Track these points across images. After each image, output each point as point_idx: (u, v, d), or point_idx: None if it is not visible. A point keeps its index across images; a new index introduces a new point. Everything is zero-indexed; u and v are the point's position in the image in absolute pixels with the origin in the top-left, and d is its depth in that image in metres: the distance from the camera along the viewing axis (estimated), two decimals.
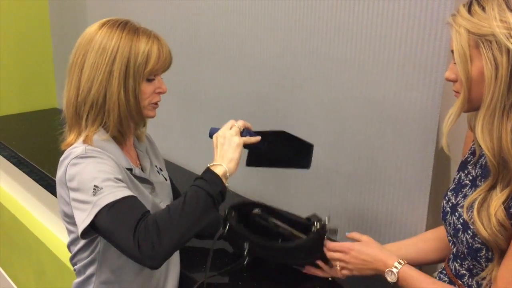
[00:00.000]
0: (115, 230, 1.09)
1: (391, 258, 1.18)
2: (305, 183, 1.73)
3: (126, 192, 1.13)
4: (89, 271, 1.26)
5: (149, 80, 1.24)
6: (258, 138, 1.30)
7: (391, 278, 1.17)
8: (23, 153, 2.41)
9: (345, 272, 1.28)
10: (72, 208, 1.16)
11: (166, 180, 1.43)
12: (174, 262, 1.40)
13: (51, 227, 2.45)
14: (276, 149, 1.38)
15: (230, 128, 1.26)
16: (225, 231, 1.34)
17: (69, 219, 1.22)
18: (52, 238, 2.42)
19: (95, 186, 1.11)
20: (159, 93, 1.27)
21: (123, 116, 1.22)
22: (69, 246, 1.30)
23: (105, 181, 1.12)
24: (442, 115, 1.32)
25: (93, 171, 1.14)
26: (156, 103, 1.28)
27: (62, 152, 1.25)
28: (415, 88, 1.36)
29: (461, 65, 1.01)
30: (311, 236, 1.29)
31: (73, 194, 1.15)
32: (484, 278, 1.07)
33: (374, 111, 1.47)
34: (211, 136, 1.30)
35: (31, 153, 2.41)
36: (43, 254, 2.46)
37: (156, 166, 1.42)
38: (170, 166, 2.29)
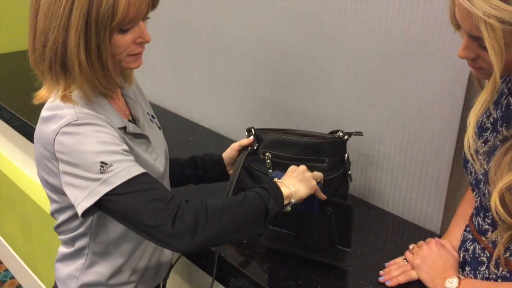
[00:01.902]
0: (141, 210, 0.95)
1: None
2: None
3: (139, 168, 0.99)
4: (80, 244, 1.12)
5: (124, 31, 1.01)
6: (324, 196, 1.19)
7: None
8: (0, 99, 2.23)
9: (415, 258, 1.18)
10: (62, 182, 1.00)
11: (159, 129, 1.27)
12: None
13: (34, 177, 2.31)
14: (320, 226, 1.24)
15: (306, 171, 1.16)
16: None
17: (53, 189, 1.06)
18: (36, 188, 2.29)
19: (102, 162, 0.95)
20: (141, 43, 1.06)
21: (91, 80, 1.01)
22: (52, 214, 1.14)
23: (113, 154, 0.97)
24: None
25: (95, 144, 0.97)
26: (138, 54, 1.07)
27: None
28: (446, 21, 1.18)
29: (497, 59, 0.86)
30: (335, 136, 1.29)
31: (67, 168, 0.98)
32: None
33: (395, 49, 1.29)
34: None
35: (8, 99, 2.24)
36: (28, 206, 2.35)
37: (148, 114, 1.25)
38: (162, 113, 2.18)
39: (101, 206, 0.97)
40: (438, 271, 1.11)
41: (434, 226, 1.36)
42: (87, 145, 0.97)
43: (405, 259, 1.20)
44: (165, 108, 2.18)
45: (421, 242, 1.21)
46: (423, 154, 1.33)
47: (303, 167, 1.15)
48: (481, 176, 1.02)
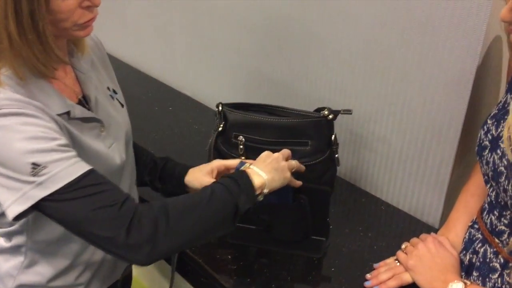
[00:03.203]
0: (88, 219, 0.81)
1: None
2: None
3: (83, 165, 0.83)
4: (16, 241, 0.96)
5: None
6: (298, 183, 1.05)
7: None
8: None
9: (409, 258, 1.01)
10: None
11: (122, 106, 1.08)
12: None
13: None
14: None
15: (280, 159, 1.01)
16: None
17: None
18: None
19: (34, 164, 0.79)
20: (88, 7, 0.86)
21: (25, 56, 0.82)
22: None
23: (46, 153, 0.80)
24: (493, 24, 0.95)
25: (23, 140, 0.79)
26: (87, 22, 0.88)
27: None
28: None
29: None
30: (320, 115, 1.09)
31: None
32: None
33: (396, 14, 1.09)
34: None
35: None
36: None
37: (108, 89, 1.05)
38: (140, 77, 1.99)
39: (40, 210, 0.82)
40: (436, 273, 0.95)
41: (432, 218, 1.19)
42: (13, 142, 0.79)
43: (396, 259, 1.04)
44: (144, 73, 2.00)
45: (415, 240, 1.05)
46: (424, 137, 1.14)
47: (278, 155, 0.99)
48: (502, 169, 0.86)
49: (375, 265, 1.04)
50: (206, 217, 0.87)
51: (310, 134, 1.09)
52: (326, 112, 1.09)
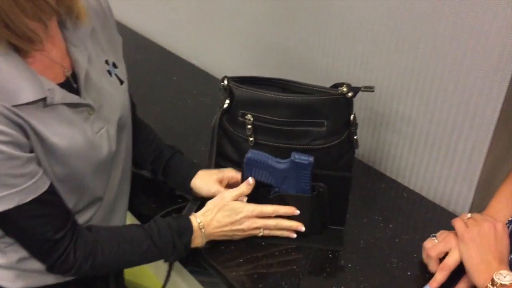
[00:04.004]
0: (26, 245, 0.84)
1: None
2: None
3: (27, 195, 0.76)
4: None
5: None
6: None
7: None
8: None
9: (469, 231, 0.88)
10: None
11: (121, 83, 0.95)
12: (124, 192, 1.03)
13: None
14: None
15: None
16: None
17: None
18: None
19: None
20: None
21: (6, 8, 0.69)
22: None
23: None
24: None
25: None
26: None
27: None
28: None
29: None
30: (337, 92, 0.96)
31: None
32: None
33: None
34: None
35: None
36: None
37: (107, 63, 0.92)
38: (143, 44, 1.86)
39: None
40: (490, 257, 0.83)
41: (460, 208, 1.08)
42: None
43: (433, 235, 0.93)
44: (147, 38, 1.87)
45: (479, 216, 0.91)
46: (455, 119, 1.02)
47: (246, 224, 0.95)
48: None
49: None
50: (133, 262, 0.90)
51: (326, 113, 0.97)
52: (344, 89, 0.96)
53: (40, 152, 0.77)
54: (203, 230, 0.92)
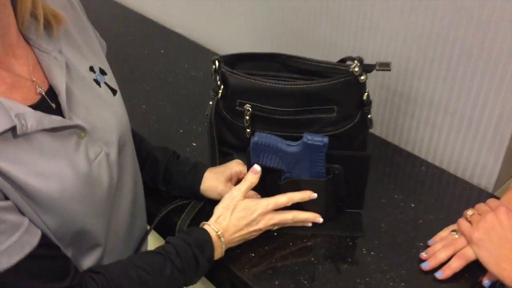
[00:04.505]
0: None
1: None
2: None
3: (12, 255, 0.60)
4: None
5: None
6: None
7: None
8: None
9: (475, 230, 0.80)
10: None
11: (114, 93, 0.79)
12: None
13: None
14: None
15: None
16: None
17: None
18: None
19: None
20: None
21: None
22: None
23: None
24: None
25: None
26: None
27: None
28: None
29: None
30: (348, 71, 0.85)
31: None
32: None
33: None
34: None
35: None
36: None
37: (92, 70, 0.75)
38: (126, 15, 1.72)
39: None
40: (506, 251, 0.76)
41: (485, 181, 0.99)
42: None
43: (453, 231, 0.85)
44: (131, 9, 1.73)
45: (482, 207, 0.84)
46: (479, 85, 0.92)
47: (261, 223, 0.85)
48: None
49: (429, 242, 0.85)
50: None
51: (336, 98, 0.85)
52: (356, 69, 0.84)
53: (19, 200, 0.61)
54: (222, 238, 0.81)
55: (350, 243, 0.88)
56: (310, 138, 0.82)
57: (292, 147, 0.84)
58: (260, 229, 0.85)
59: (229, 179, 0.91)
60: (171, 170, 0.92)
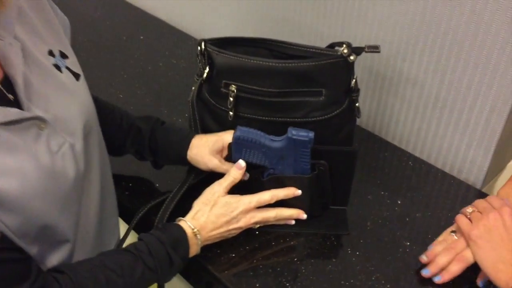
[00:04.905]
0: None
1: None
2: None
3: None
4: None
5: None
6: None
7: None
8: None
9: (474, 227, 0.77)
10: None
11: (77, 77, 0.73)
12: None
13: None
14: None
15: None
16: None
17: None
18: None
19: None
20: None
21: None
22: None
23: None
24: None
25: None
26: None
27: None
28: None
29: None
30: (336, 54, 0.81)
31: None
32: None
33: None
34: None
35: None
36: None
37: (51, 54, 0.69)
38: (136, 17, 1.65)
39: None
40: (506, 252, 0.73)
41: (474, 176, 0.96)
42: None
43: (453, 232, 0.81)
44: (149, 13, 1.65)
45: (483, 204, 0.80)
46: (471, 77, 0.88)
47: (241, 221, 0.81)
48: None
49: (429, 247, 0.81)
50: None
51: (324, 80, 0.82)
52: (345, 51, 0.81)
53: None
54: (198, 236, 0.77)
55: (335, 242, 0.85)
56: (295, 133, 0.78)
57: (276, 142, 0.80)
58: (240, 228, 0.81)
59: (220, 151, 0.86)
60: (157, 137, 0.87)
